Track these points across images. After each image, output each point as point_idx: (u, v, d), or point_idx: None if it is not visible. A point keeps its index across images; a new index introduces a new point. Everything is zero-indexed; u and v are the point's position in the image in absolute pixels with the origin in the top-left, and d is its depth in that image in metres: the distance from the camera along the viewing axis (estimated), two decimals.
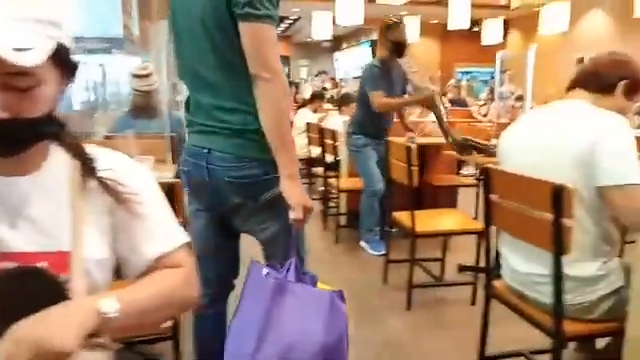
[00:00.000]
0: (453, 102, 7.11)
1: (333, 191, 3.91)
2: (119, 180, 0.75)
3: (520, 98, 6.02)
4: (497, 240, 1.69)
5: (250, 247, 1.53)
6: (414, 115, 4.69)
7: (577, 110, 1.46)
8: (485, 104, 7.21)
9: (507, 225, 1.60)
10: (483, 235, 1.77)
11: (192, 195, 1.45)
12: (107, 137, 2.52)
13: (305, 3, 8.66)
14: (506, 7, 8.58)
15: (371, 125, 3.28)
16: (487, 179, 1.62)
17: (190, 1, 1.28)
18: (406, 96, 3.43)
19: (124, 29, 4.62)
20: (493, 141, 2.76)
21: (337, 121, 4.30)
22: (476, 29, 9.64)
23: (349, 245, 3.53)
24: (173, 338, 1.41)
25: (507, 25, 10.66)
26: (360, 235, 3.45)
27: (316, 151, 4.16)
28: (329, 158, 3.77)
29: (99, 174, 0.74)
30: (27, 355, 0.55)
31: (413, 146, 2.37)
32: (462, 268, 2.96)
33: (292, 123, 3.54)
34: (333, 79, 10.37)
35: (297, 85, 9.80)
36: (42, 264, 0.68)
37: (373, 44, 11.44)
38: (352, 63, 13.10)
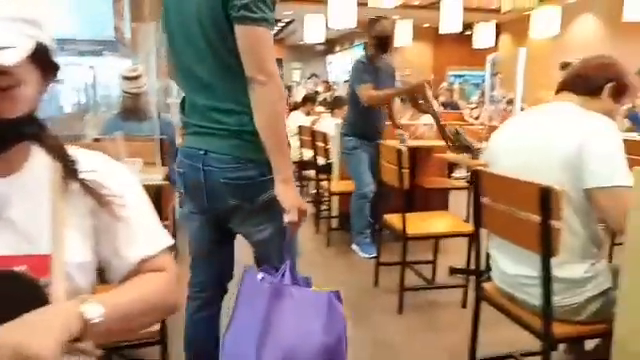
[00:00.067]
0: (445, 105, 7.13)
1: (325, 194, 3.90)
2: (101, 182, 0.74)
3: (511, 102, 6.06)
4: (488, 242, 1.70)
5: (244, 251, 1.52)
6: (405, 118, 4.70)
7: (564, 112, 1.47)
8: (477, 107, 7.25)
9: (496, 227, 1.60)
10: (474, 237, 1.77)
11: (187, 197, 1.44)
12: (96, 139, 2.50)
13: (298, 6, 8.68)
14: (497, 11, 8.64)
15: (363, 125, 3.26)
16: (476, 181, 1.62)
17: (184, 3, 1.27)
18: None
19: (115, 31, 4.60)
20: (483, 144, 2.77)
21: (329, 124, 4.30)
22: (468, 33, 9.70)
23: (341, 248, 3.53)
24: (161, 342, 1.39)
25: (499, 29, 10.74)
26: (352, 238, 3.45)
27: (308, 154, 4.15)
28: (321, 161, 3.77)
29: (81, 176, 0.73)
30: None
31: (404, 148, 2.37)
32: (453, 271, 2.97)
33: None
34: (326, 82, 10.37)
35: (290, 88, 9.79)
36: (21, 268, 0.67)
37: (366, 47, 11.46)
38: (345, 66, 13.13)
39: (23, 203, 0.70)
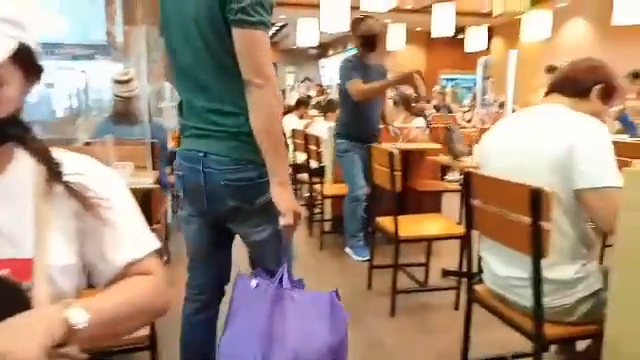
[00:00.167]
0: (438, 108, 7.17)
1: (318, 197, 3.90)
2: (87, 185, 0.73)
3: (503, 105, 6.10)
4: (479, 245, 1.70)
5: (241, 252, 1.52)
6: (398, 121, 4.71)
7: (554, 114, 1.48)
8: (469, 110, 7.28)
9: (487, 229, 1.61)
10: (465, 240, 1.77)
11: (186, 200, 1.44)
12: (87, 143, 2.49)
13: (291, 10, 8.69)
14: (489, 15, 8.71)
15: (355, 126, 3.23)
16: (467, 183, 1.62)
17: (183, 4, 1.27)
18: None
19: (107, 35, 4.58)
20: (475, 146, 2.78)
21: (322, 127, 4.30)
22: (460, 36, 9.76)
23: (334, 251, 3.52)
24: (151, 347, 1.38)
25: (490, 33, 10.82)
26: (345, 241, 3.44)
27: (301, 157, 4.15)
28: (313, 164, 3.77)
29: (65, 178, 0.72)
30: None
31: (395, 151, 2.37)
32: (446, 273, 2.97)
33: None
34: (320, 85, 10.38)
35: (283, 92, 9.79)
36: (3, 272, 0.66)
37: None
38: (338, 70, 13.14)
39: (6, 206, 0.69)
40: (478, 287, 1.71)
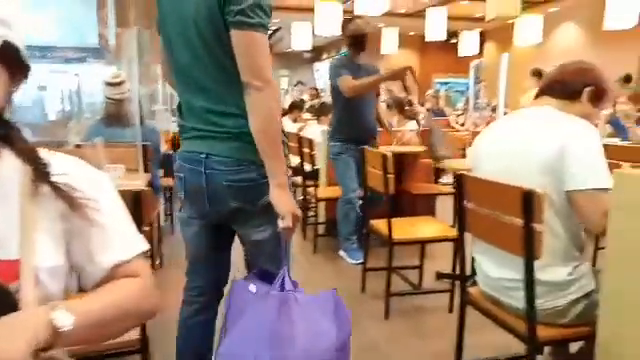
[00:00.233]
0: (431, 112, 7.19)
1: (312, 200, 3.90)
2: (74, 185, 0.72)
3: (495, 109, 6.14)
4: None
5: (238, 254, 1.52)
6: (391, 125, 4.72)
7: (544, 116, 1.48)
8: (463, 114, 7.32)
9: (480, 231, 1.61)
10: (459, 242, 1.77)
11: (187, 202, 1.43)
12: (77, 146, 2.47)
13: (285, 14, 8.71)
14: (482, 19, 8.78)
15: (348, 126, 3.20)
16: (460, 186, 1.63)
17: (182, 4, 1.27)
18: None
19: (100, 38, 4.56)
20: (468, 149, 2.79)
21: (315, 130, 4.30)
22: (454, 41, 9.82)
23: (328, 254, 3.51)
24: (142, 351, 1.36)
25: (483, 37, 10.90)
26: (339, 244, 3.43)
27: (295, 160, 4.14)
28: (307, 167, 3.76)
29: (52, 179, 0.71)
30: None
31: (389, 154, 2.37)
32: (440, 275, 2.97)
33: None
34: (314, 89, 10.39)
35: None
36: None
37: None
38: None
39: None
40: (471, 289, 1.70)
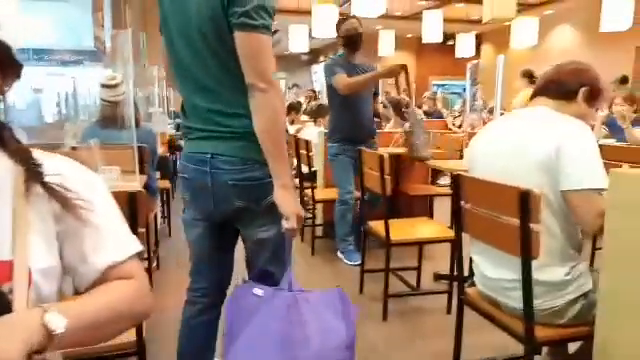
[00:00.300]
0: (428, 114, 7.20)
1: (309, 202, 3.89)
2: (67, 186, 0.71)
3: (492, 111, 6.15)
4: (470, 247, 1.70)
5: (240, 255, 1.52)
6: (388, 126, 4.73)
7: (539, 116, 1.49)
8: (460, 115, 7.33)
9: (477, 231, 1.61)
10: (456, 243, 1.77)
11: (192, 203, 1.43)
12: (73, 148, 2.46)
13: (282, 17, 8.72)
14: (478, 22, 8.82)
15: (345, 125, 3.19)
16: (457, 186, 1.62)
17: (184, 5, 1.26)
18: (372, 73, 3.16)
19: (96, 41, 4.56)
20: (465, 150, 2.79)
21: (312, 132, 4.30)
22: (450, 43, 9.85)
23: (326, 256, 3.51)
24: (138, 353, 1.35)
25: (480, 39, 10.94)
26: (336, 245, 3.43)
27: (292, 162, 4.14)
28: (304, 169, 3.76)
29: (45, 179, 0.70)
30: None
31: (386, 155, 2.37)
32: (437, 277, 2.97)
33: None
34: (312, 90, 10.40)
35: None
36: None
37: None
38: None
39: None
40: (469, 290, 1.70)
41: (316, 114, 5.19)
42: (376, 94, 3.42)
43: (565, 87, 1.50)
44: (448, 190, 4.06)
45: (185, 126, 1.41)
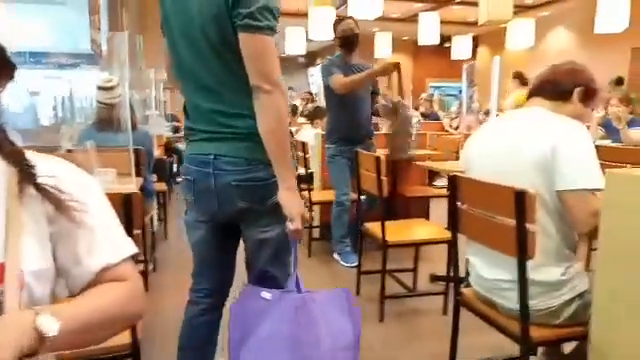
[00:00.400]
0: (425, 115, 7.21)
1: (306, 204, 3.89)
2: (61, 187, 0.71)
3: (488, 113, 6.16)
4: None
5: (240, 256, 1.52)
6: (385, 127, 4.73)
7: (534, 117, 1.49)
8: (457, 117, 7.34)
9: (473, 232, 1.61)
10: (452, 244, 1.77)
11: (195, 204, 1.42)
12: (68, 150, 2.46)
13: (279, 19, 8.73)
14: (474, 24, 8.85)
15: (343, 126, 3.20)
16: (454, 187, 1.63)
17: (186, 5, 1.26)
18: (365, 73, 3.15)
19: (92, 43, 4.55)
20: (461, 152, 2.80)
21: (309, 133, 4.30)
22: (447, 45, 9.87)
23: (322, 257, 3.51)
24: (133, 355, 1.35)
25: (476, 41, 10.97)
26: (333, 247, 3.43)
27: None
28: (301, 171, 3.76)
29: (38, 180, 0.70)
30: None
31: (382, 156, 2.37)
32: (434, 278, 2.97)
33: None
34: (309, 93, 10.42)
35: None
36: None
37: None
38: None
39: None
40: (466, 291, 1.70)
41: (313, 116, 5.19)
42: (376, 93, 3.41)
43: (560, 87, 1.51)
44: (445, 191, 4.08)
45: (188, 127, 1.41)
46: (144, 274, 2.76)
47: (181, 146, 6.50)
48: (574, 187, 1.33)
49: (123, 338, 1.30)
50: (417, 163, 3.42)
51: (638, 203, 1.14)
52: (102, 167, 2.01)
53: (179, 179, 6.45)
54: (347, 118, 3.18)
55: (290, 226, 1.28)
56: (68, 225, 0.71)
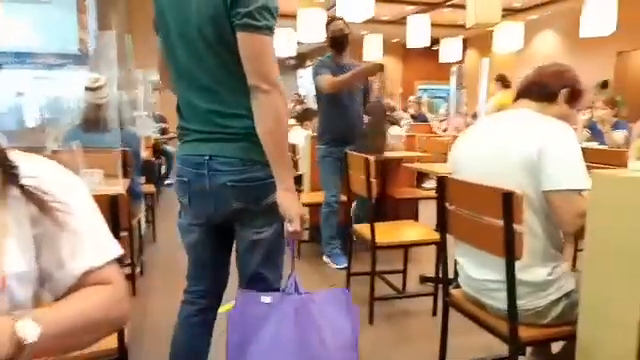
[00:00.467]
0: (414, 117, 7.26)
1: None
2: (44, 188, 0.69)
3: (476, 115, 6.25)
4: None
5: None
6: None
7: (521, 118, 1.51)
8: (445, 119, 7.40)
9: (461, 233, 1.62)
10: (441, 245, 1.78)
11: (190, 206, 1.40)
12: (54, 151, 2.43)
13: None
14: (463, 27, 8.92)
15: (334, 125, 3.20)
16: (442, 188, 1.63)
17: (184, 4, 1.25)
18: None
19: (80, 44, 4.50)
20: (449, 153, 2.82)
21: (299, 135, 4.29)
22: (436, 48, 9.94)
23: (312, 260, 3.50)
24: (120, 359, 1.33)
25: (465, 44, 11.05)
26: (322, 249, 3.42)
27: None
28: None
29: (21, 181, 0.68)
30: None
31: (371, 158, 2.38)
32: (423, 279, 2.98)
33: None
34: (298, 94, 10.42)
35: None
36: None
37: None
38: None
39: None
40: (454, 292, 1.71)
41: (302, 118, 5.19)
42: (367, 91, 3.40)
43: (547, 89, 1.52)
44: (433, 193, 4.11)
45: (181, 128, 1.39)
46: (131, 277, 2.73)
47: (169, 148, 6.46)
48: (560, 187, 1.34)
49: (110, 342, 1.28)
50: (406, 165, 3.43)
51: (623, 204, 1.16)
52: (88, 168, 1.99)
53: (167, 181, 6.41)
54: (338, 118, 3.19)
55: (289, 227, 1.27)
56: (52, 227, 0.70)
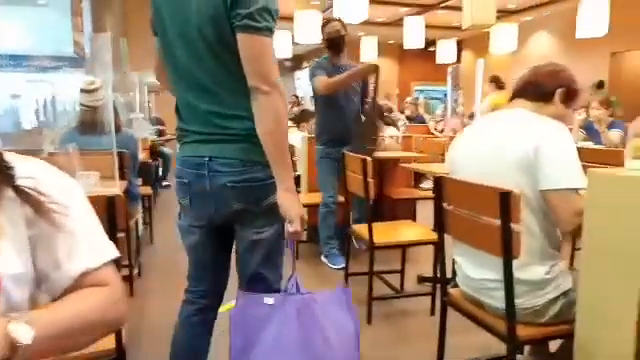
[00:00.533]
0: (411, 118, 7.27)
1: None
2: (40, 190, 0.69)
3: (472, 116, 6.25)
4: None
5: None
6: None
7: (516, 118, 1.51)
8: (442, 120, 7.41)
9: (459, 233, 1.62)
10: (439, 245, 1.78)
11: (191, 207, 1.40)
12: (50, 154, 2.42)
13: None
14: (459, 28, 8.95)
15: (331, 127, 3.21)
16: (439, 188, 1.64)
17: (183, 5, 1.24)
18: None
19: (75, 46, 4.49)
20: (447, 154, 2.83)
21: (296, 137, 4.30)
22: (432, 49, 9.98)
23: (310, 260, 3.50)
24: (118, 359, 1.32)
25: (461, 45, 11.10)
26: (320, 249, 3.42)
27: None
28: None
29: (17, 182, 0.68)
30: None
31: (368, 158, 2.38)
32: (421, 279, 2.99)
33: None
34: (295, 96, 10.42)
35: None
36: None
37: None
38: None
39: None
40: (452, 291, 1.71)
41: (299, 119, 5.20)
42: (365, 92, 3.41)
43: (542, 89, 1.53)
44: (431, 193, 4.11)
45: (181, 129, 1.38)
46: (129, 279, 2.72)
47: (166, 150, 6.45)
48: (557, 187, 1.35)
49: (108, 342, 1.28)
50: (403, 165, 3.44)
51: (620, 202, 1.16)
52: (85, 170, 1.98)
53: (164, 183, 6.40)
54: (334, 119, 3.20)
55: (290, 228, 1.27)
56: (48, 228, 0.69)
